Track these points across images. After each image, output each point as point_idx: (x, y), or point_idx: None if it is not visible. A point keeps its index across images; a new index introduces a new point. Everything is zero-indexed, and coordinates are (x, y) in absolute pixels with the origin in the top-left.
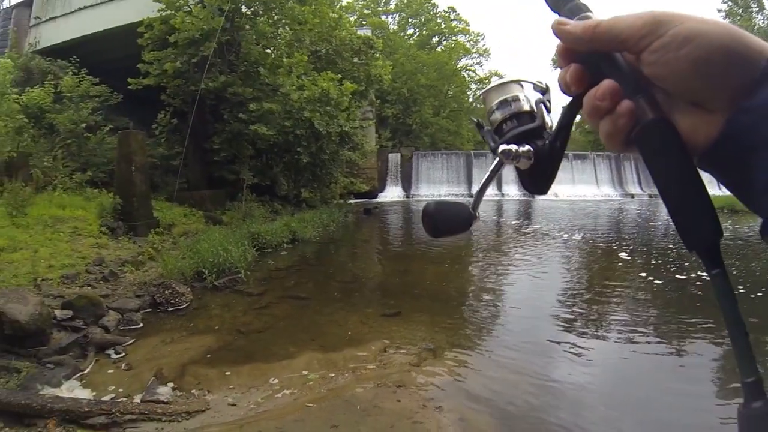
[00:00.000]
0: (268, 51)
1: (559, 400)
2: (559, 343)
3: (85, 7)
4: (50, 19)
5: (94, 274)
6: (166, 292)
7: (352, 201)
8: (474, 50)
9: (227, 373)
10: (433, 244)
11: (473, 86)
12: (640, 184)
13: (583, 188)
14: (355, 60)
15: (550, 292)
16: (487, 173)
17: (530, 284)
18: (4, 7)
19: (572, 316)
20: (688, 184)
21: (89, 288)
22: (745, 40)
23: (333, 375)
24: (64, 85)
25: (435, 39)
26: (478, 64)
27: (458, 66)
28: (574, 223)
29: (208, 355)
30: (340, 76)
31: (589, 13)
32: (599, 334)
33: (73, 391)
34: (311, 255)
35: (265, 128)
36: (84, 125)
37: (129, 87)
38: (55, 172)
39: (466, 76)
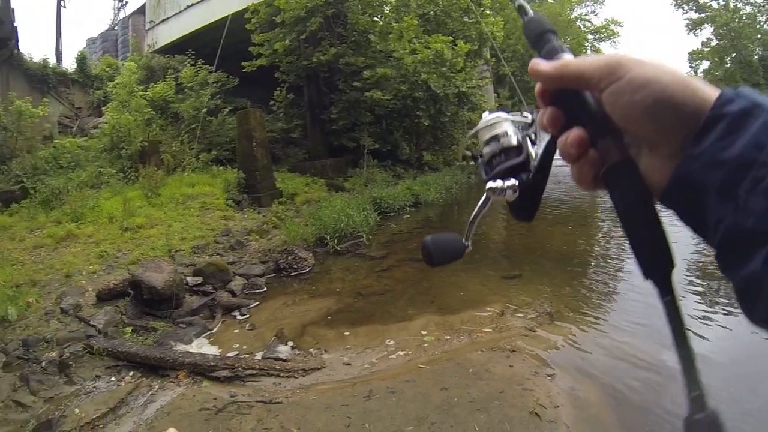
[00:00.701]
0: (376, 19)
1: (677, 382)
2: (688, 314)
3: (193, 5)
4: (163, 20)
5: (222, 244)
6: (289, 257)
7: (475, 163)
8: None
9: (345, 334)
10: (558, 205)
11: (590, 37)
12: None
13: None
14: (465, 19)
15: (679, 260)
16: (476, 208)
17: None
18: (121, 18)
19: (701, 289)
20: (647, 223)
21: (217, 256)
22: (695, 90)
23: (449, 337)
24: (183, 77)
25: None
26: (592, 12)
27: (572, 17)
28: None
29: (328, 317)
30: (451, 38)
31: (565, 54)
32: (729, 309)
33: (201, 347)
34: (434, 217)
35: (380, 94)
36: (205, 110)
37: (243, 70)
38: (182, 155)
39: (581, 26)
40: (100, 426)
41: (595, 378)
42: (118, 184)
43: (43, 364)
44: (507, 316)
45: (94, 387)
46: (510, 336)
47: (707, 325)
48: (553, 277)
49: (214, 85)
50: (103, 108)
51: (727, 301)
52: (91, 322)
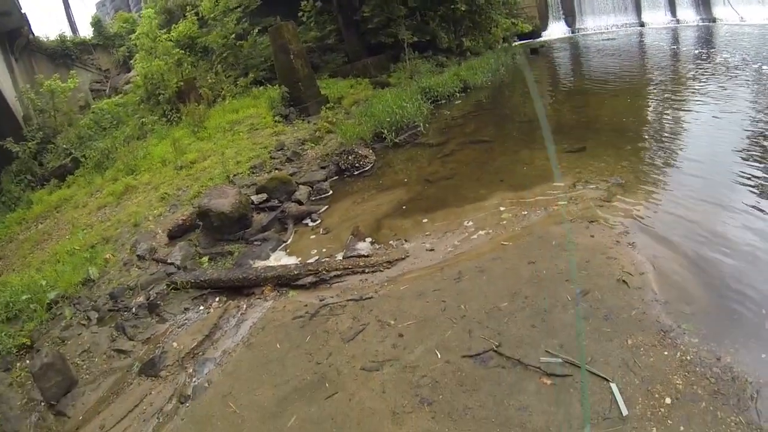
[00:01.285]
0: None
1: (753, 262)
2: (749, 180)
3: None
4: None
5: (278, 159)
6: (349, 157)
7: (517, 43)
8: None
9: (422, 221)
10: (607, 79)
11: None
12: None
13: None
14: None
15: (738, 130)
16: None
17: (714, 120)
18: None
19: (759, 154)
20: None
21: (276, 171)
22: None
23: (525, 213)
24: (204, 10)
25: None
26: None
27: None
28: (762, 53)
29: (400, 207)
30: None
31: None
32: None
33: (280, 260)
34: (485, 100)
35: None
36: (233, 36)
37: None
38: (220, 85)
39: None
40: (200, 353)
41: (675, 245)
42: (162, 128)
43: (134, 310)
44: (579, 188)
45: (186, 319)
46: (586, 207)
47: None
48: (616, 149)
49: (237, 9)
50: (130, 62)
51: None
52: (169, 261)
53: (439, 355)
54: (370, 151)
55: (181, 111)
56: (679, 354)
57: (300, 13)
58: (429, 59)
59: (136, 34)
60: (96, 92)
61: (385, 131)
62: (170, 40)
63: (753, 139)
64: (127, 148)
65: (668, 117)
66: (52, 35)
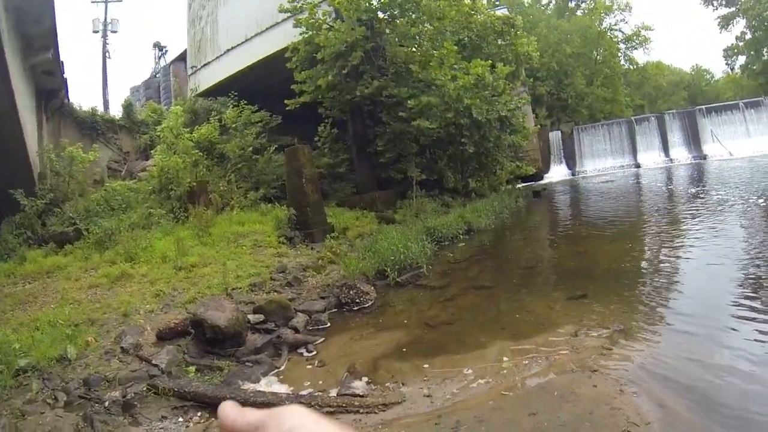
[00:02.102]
0: (413, 50)
1: (761, 394)
2: (751, 320)
3: (233, 48)
4: (204, 65)
5: (279, 281)
6: (351, 291)
7: (520, 185)
8: (615, 6)
9: (422, 366)
10: (605, 223)
11: (621, 46)
12: None
13: (761, 141)
14: (500, 42)
15: (734, 262)
16: None
17: (710, 257)
18: (162, 65)
19: (756, 292)
20: None
21: (276, 293)
22: None
23: (526, 362)
24: (227, 118)
25: (572, 3)
26: (622, 20)
27: (602, 28)
28: (753, 186)
29: (399, 349)
30: (490, 61)
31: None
32: None
33: (271, 386)
34: (488, 243)
35: (427, 122)
36: (251, 149)
37: (287, 108)
38: (230, 194)
39: (612, 36)
40: None
41: (680, 391)
42: (168, 224)
43: (107, 403)
44: (581, 336)
45: (162, 428)
46: (588, 356)
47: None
48: (617, 294)
49: (258, 124)
50: (150, 151)
51: None
52: (154, 362)
53: None
54: (372, 288)
55: (189, 211)
56: None
57: (316, 138)
58: (435, 198)
59: (161, 126)
60: (112, 171)
61: (388, 269)
62: (191, 140)
63: (746, 276)
64: (131, 234)
65: (665, 260)
66: (85, 107)
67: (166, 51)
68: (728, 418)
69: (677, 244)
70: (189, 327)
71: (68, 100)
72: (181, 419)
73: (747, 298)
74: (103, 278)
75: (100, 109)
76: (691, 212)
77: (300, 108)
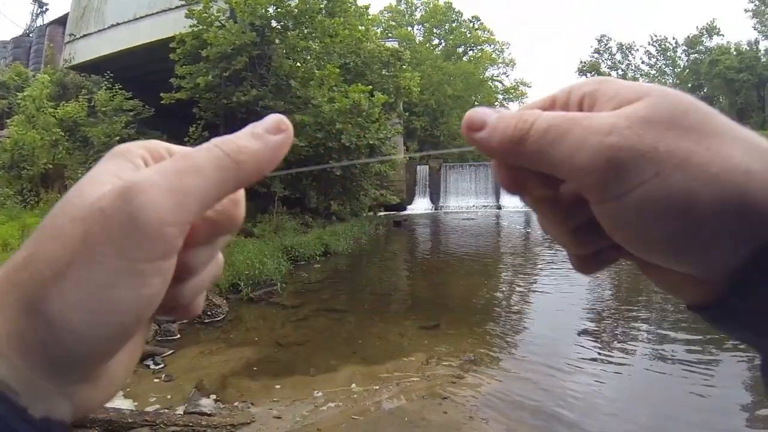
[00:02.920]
0: (299, 65)
1: (595, 412)
2: (592, 350)
3: (118, 24)
4: (84, 35)
5: None
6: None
7: (382, 213)
8: (500, 60)
9: (272, 386)
10: (463, 258)
11: (499, 96)
12: None
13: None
14: (384, 72)
15: (578, 302)
16: None
17: (559, 293)
18: (38, 25)
19: (600, 328)
20: None
21: None
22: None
23: (377, 388)
24: (98, 100)
25: (461, 49)
26: (504, 74)
27: (484, 76)
28: None
29: (249, 367)
30: (370, 87)
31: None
32: (628, 345)
33: (114, 401)
34: (344, 267)
35: (297, 140)
36: (117, 138)
37: (161, 101)
38: None
39: (492, 86)
40: None
41: (526, 416)
42: (15, 207)
43: None
44: (432, 364)
45: None
46: (438, 383)
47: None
48: (469, 326)
49: (129, 113)
50: (5, 120)
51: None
52: None
53: None
54: (224, 301)
55: (41, 196)
56: None
57: (186, 138)
58: (296, 216)
59: (23, 93)
60: None
61: (242, 284)
62: (54, 116)
63: (590, 310)
64: None
65: (517, 296)
66: None
67: (47, 9)
68: None
69: (529, 282)
70: None
71: None
72: None
73: (589, 332)
74: None
75: None
76: (543, 253)
77: (174, 104)
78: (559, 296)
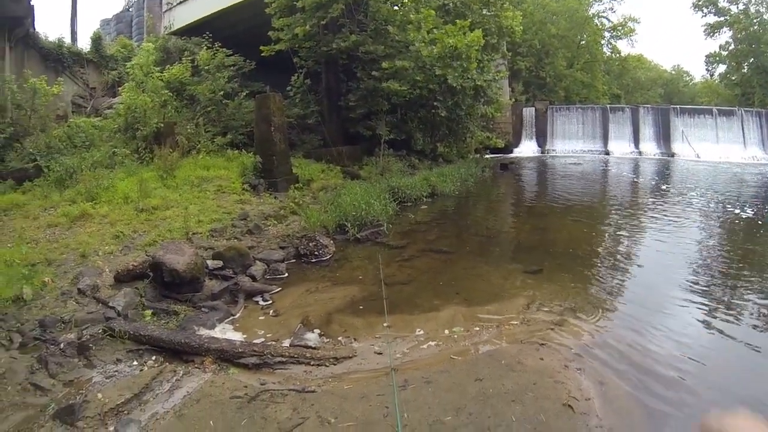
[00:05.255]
0: (396, 8)
1: (692, 377)
2: (695, 311)
3: None
4: (180, 2)
5: (240, 228)
6: (310, 243)
7: (488, 156)
8: None
9: (375, 323)
10: (570, 202)
11: (606, 34)
12: None
13: (728, 149)
14: (485, 12)
15: (687, 257)
16: None
17: (666, 248)
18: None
19: (708, 288)
20: None
21: (236, 240)
22: None
23: (477, 329)
24: (200, 60)
25: None
26: (610, 9)
27: (590, 13)
28: (715, 189)
29: (354, 305)
30: (469, 21)
31: None
32: (734, 310)
33: (225, 333)
34: (451, 209)
35: (398, 85)
36: (222, 93)
37: (261, 54)
38: (198, 138)
39: (598, 23)
40: (125, 412)
41: (621, 372)
42: (132, 164)
43: (62, 345)
44: (533, 309)
45: (116, 371)
46: (538, 329)
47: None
48: (572, 273)
49: (231, 68)
50: (117, 89)
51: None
52: (110, 304)
53: None
54: (331, 241)
55: (155, 153)
56: None
57: (288, 87)
58: (402, 158)
59: (131, 63)
60: (77, 107)
61: (349, 224)
62: (161, 80)
63: (698, 268)
64: (93, 173)
65: (623, 246)
66: (51, 37)
67: None
68: (663, 402)
69: (636, 232)
70: (147, 270)
71: (34, 29)
72: (135, 363)
73: (695, 289)
74: (63, 217)
75: (68, 40)
76: (653, 204)
77: (275, 56)
78: (668, 250)
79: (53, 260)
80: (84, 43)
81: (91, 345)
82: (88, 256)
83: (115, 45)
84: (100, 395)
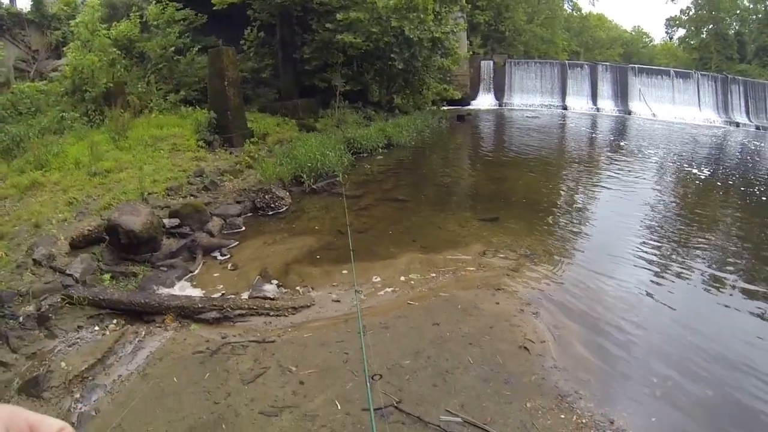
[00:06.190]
0: None
1: (639, 328)
2: (647, 261)
3: None
4: None
5: (196, 185)
6: (266, 196)
7: (445, 108)
8: None
9: (333, 272)
10: (527, 154)
11: None
12: (747, 113)
13: (684, 110)
14: None
15: (640, 211)
16: None
17: (621, 201)
18: None
19: (660, 240)
20: None
21: (192, 198)
22: None
23: (434, 275)
24: (149, 15)
25: None
26: None
27: None
28: (670, 146)
29: (311, 255)
30: None
31: None
32: (683, 260)
33: (185, 290)
34: (407, 159)
35: (352, 37)
36: (173, 49)
37: (214, 7)
38: (149, 96)
39: None
40: (90, 378)
41: (575, 316)
42: (82, 128)
43: (21, 318)
44: (488, 256)
45: (78, 338)
46: (493, 275)
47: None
48: (527, 221)
49: (182, 22)
50: (63, 49)
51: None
52: (68, 272)
53: (339, 407)
54: (287, 193)
55: (105, 114)
56: (575, 417)
57: (242, 41)
58: (358, 110)
59: (75, 21)
60: (19, 71)
61: (305, 176)
62: (108, 37)
63: (651, 219)
64: (41, 140)
65: (578, 197)
66: None
67: None
68: (613, 344)
69: (592, 184)
70: (103, 234)
71: None
72: (97, 328)
73: (648, 241)
74: (12, 189)
75: (5, 1)
76: (609, 158)
77: (227, 8)
78: (622, 203)
79: (5, 233)
80: (23, 3)
81: (50, 315)
82: (41, 226)
83: (57, 3)
84: (63, 364)
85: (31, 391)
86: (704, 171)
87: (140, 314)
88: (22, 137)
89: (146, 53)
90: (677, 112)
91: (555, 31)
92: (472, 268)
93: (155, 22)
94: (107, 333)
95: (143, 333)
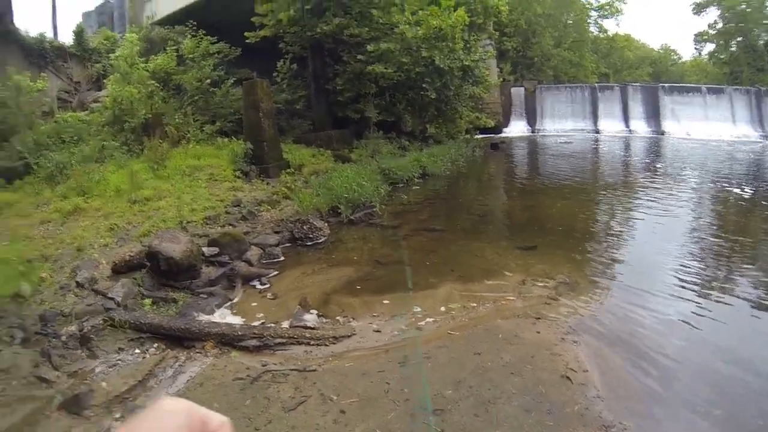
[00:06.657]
0: None
1: (683, 356)
2: (688, 288)
3: None
4: None
5: (233, 215)
6: (304, 227)
7: (478, 136)
8: None
9: (373, 302)
10: (561, 180)
11: (593, 14)
12: None
13: (718, 127)
14: None
15: (679, 235)
16: None
17: (659, 225)
18: None
19: (701, 264)
20: None
21: (230, 227)
22: None
23: (474, 305)
24: (184, 48)
25: None
26: None
27: None
28: (707, 167)
29: (350, 285)
30: (453, 1)
31: None
32: (727, 286)
33: (225, 317)
34: (442, 189)
35: (383, 67)
36: (208, 81)
37: (246, 41)
38: (186, 127)
39: (584, 2)
40: (130, 399)
41: (616, 344)
42: (122, 157)
43: (64, 338)
44: (528, 284)
45: (119, 360)
46: (533, 304)
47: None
48: (566, 249)
49: (217, 56)
50: (103, 81)
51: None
52: (109, 295)
53: None
54: (325, 224)
55: (144, 144)
56: None
57: (275, 73)
58: (392, 140)
59: (115, 54)
60: (62, 102)
61: (342, 207)
62: (147, 70)
63: (691, 243)
64: (83, 168)
65: (615, 221)
66: (33, 33)
67: None
68: (657, 372)
69: (629, 209)
70: (144, 260)
71: (13, 24)
72: (137, 350)
73: (689, 266)
74: (56, 213)
75: (49, 35)
76: (645, 181)
77: (260, 42)
78: (660, 227)
79: (49, 256)
80: (66, 37)
81: (92, 336)
82: (83, 250)
83: (97, 37)
84: (104, 384)
85: (72, 408)
86: (745, 189)
87: (180, 340)
88: (65, 164)
89: (183, 85)
90: (711, 129)
91: (583, 54)
92: (511, 297)
93: (191, 56)
94: (148, 356)
95: (183, 358)
